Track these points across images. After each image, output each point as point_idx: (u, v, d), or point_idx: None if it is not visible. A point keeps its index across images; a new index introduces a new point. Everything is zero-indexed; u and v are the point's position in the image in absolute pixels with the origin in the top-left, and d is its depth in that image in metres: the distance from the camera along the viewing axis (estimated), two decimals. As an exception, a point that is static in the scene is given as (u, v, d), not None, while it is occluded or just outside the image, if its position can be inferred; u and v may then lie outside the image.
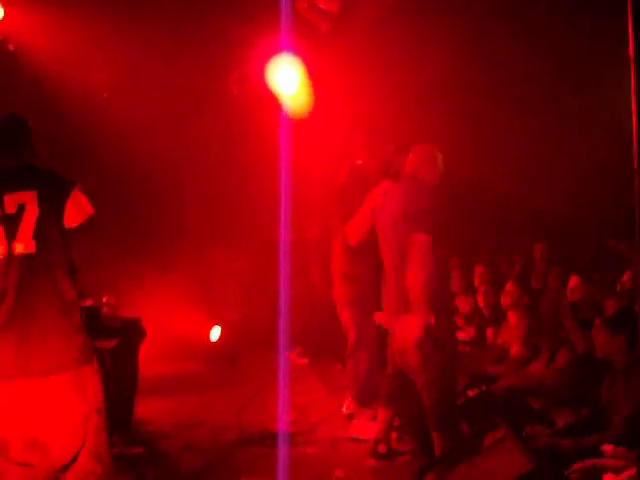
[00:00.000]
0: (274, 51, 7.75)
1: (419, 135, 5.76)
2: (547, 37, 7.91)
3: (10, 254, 3.37)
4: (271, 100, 7.80)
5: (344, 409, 6.53)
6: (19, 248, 3.38)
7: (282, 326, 7.29)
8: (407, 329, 4.86)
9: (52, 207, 3.44)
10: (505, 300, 6.56)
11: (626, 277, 6.25)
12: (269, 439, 6.03)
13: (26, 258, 3.38)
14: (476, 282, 7.73)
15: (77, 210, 3.48)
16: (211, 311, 9.53)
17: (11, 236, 3.38)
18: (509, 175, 8.72)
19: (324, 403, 7.01)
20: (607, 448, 4.00)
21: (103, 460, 3.49)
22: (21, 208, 3.40)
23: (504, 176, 8.71)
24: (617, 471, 3.86)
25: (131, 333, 6.10)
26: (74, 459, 3.40)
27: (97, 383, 3.52)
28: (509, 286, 6.61)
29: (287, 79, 7.78)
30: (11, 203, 3.41)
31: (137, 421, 6.20)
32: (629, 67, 2.82)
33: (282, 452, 5.63)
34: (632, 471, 3.71)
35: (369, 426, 5.91)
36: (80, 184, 3.56)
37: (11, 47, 7.19)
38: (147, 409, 6.52)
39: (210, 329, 9.16)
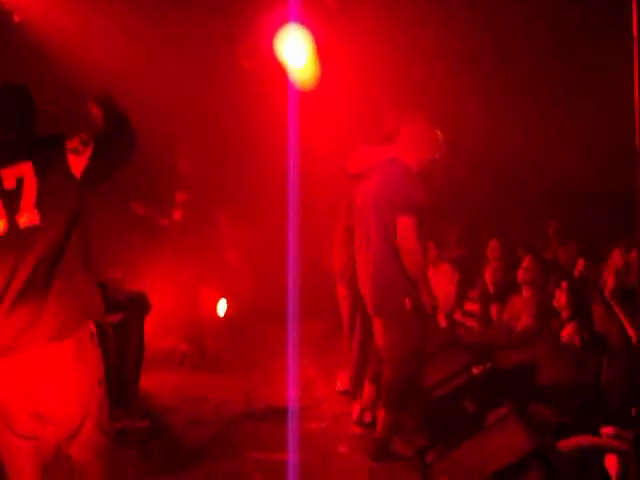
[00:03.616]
0: (282, 22, 7.66)
1: (426, 110, 5.65)
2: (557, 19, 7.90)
3: (14, 228, 3.34)
4: (279, 72, 7.73)
5: (338, 384, 6.54)
6: (23, 221, 3.35)
7: (291, 300, 7.26)
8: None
9: (52, 171, 3.39)
10: (525, 276, 6.51)
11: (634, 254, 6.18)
12: (274, 414, 6.05)
13: (30, 230, 3.34)
14: (489, 255, 7.71)
15: (78, 155, 3.41)
16: (220, 285, 9.52)
17: (13, 210, 3.34)
18: (523, 153, 8.68)
19: (329, 378, 6.98)
20: (607, 430, 3.96)
21: (106, 432, 3.51)
22: (20, 181, 3.36)
23: (517, 154, 8.67)
24: (618, 452, 3.84)
25: (136, 307, 6.08)
26: (78, 431, 3.40)
27: (97, 354, 3.49)
28: (527, 262, 6.55)
29: (296, 51, 7.70)
30: (9, 177, 3.37)
31: (142, 395, 6.20)
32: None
33: (292, 427, 5.64)
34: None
35: None
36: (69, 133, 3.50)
37: (17, 18, 7.12)
38: (153, 383, 6.54)
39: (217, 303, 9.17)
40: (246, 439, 5.62)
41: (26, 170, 3.37)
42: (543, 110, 8.75)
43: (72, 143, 3.43)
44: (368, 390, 5.67)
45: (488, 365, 5.44)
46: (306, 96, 7.52)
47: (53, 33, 7.24)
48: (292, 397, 6.36)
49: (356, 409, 5.79)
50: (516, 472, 4.06)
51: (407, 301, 4.93)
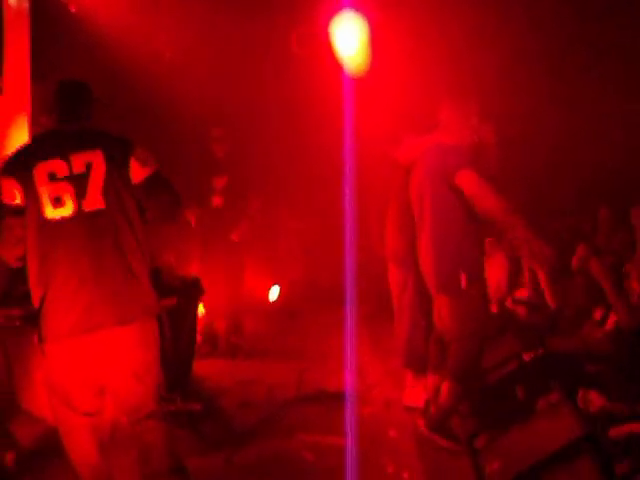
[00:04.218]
0: (337, 10, 7.67)
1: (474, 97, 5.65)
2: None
3: (81, 212, 3.49)
4: (331, 59, 7.74)
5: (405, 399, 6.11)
6: (89, 205, 3.49)
7: (348, 284, 7.24)
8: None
9: (117, 165, 3.55)
10: (579, 264, 6.46)
11: None
12: (326, 398, 6.10)
13: (95, 214, 3.50)
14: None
15: (141, 165, 3.60)
16: (273, 270, 9.59)
17: (81, 195, 3.49)
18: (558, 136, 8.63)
19: (380, 363, 7.02)
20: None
21: (163, 403, 3.68)
22: (89, 167, 3.51)
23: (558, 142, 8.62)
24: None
25: (190, 292, 6.16)
26: (139, 407, 3.57)
27: (156, 333, 3.68)
28: (580, 251, 6.51)
29: (350, 38, 7.69)
30: (79, 163, 3.52)
31: (196, 378, 6.31)
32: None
33: (349, 411, 5.66)
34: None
35: (422, 394, 5.77)
36: (138, 143, 3.68)
37: (73, 8, 7.24)
38: (206, 367, 6.64)
39: (270, 288, 9.25)
40: (297, 422, 5.66)
41: (96, 157, 3.53)
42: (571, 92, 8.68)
43: (139, 151, 3.62)
44: (432, 381, 5.55)
45: (539, 351, 5.41)
46: (357, 83, 7.52)
47: (108, 22, 7.34)
48: (349, 381, 6.36)
49: (412, 392, 5.82)
50: (567, 458, 4.04)
51: (463, 277, 4.92)
